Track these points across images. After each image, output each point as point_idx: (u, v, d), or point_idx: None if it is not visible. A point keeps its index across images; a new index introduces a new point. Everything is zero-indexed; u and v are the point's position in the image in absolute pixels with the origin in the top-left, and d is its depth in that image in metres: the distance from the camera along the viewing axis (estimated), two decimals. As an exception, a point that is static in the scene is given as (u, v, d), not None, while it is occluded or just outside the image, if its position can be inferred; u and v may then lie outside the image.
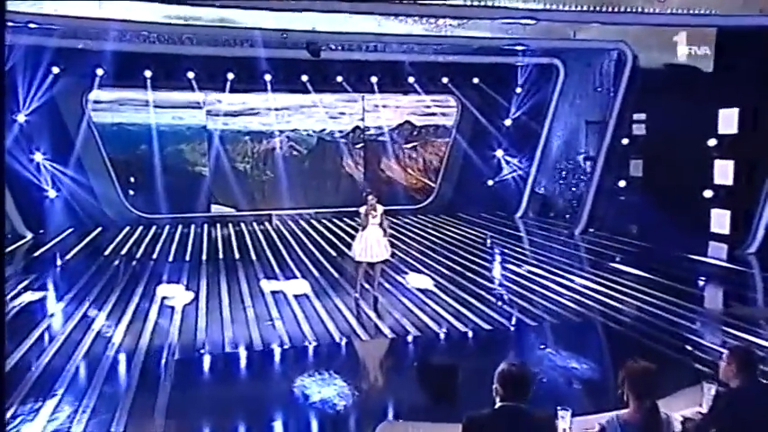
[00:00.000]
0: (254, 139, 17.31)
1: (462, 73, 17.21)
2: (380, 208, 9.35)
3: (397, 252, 12.03)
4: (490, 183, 18.31)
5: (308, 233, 15.40)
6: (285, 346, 7.79)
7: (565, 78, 16.59)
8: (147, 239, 14.66)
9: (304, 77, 16.23)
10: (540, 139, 17.26)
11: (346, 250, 10.24)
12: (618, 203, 14.68)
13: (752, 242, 12.04)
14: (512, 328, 8.57)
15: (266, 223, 16.79)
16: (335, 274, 11.13)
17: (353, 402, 6.19)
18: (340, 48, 14.94)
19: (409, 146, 18.53)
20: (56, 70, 14.32)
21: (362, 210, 9.31)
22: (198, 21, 12.31)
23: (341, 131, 17.92)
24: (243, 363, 7.55)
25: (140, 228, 15.80)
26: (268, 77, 15.95)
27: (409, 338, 8.14)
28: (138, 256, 12.98)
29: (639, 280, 10.32)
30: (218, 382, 7.10)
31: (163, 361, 7.22)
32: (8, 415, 5.45)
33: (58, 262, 12.49)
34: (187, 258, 12.76)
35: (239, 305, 9.39)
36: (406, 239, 14.17)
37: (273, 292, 9.99)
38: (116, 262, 12.33)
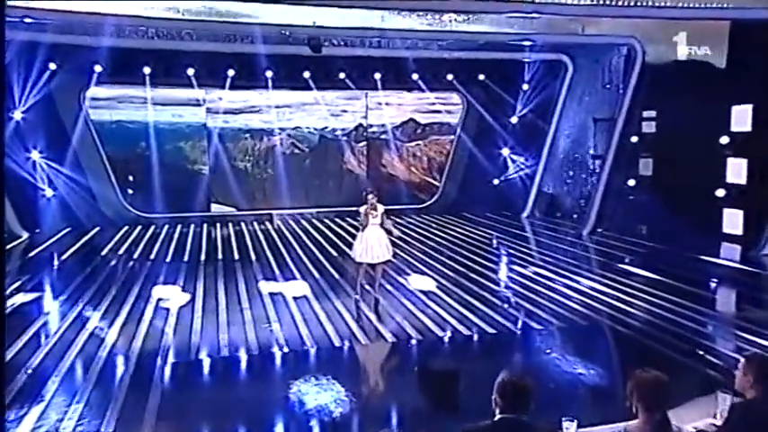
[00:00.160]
0: (254, 137, 17.13)
1: (468, 69, 17.02)
2: (381, 207, 9.24)
3: (399, 253, 11.92)
4: (496, 182, 18.17)
5: (309, 233, 15.26)
6: (281, 350, 7.64)
7: (573, 75, 16.41)
8: (144, 239, 14.52)
9: (306, 74, 16.06)
10: (547, 137, 17.09)
11: (348, 251, 10.13)
12: (627, 203, 14.52)
13: (766, 243, 11.83)
14: (517, 332, 8.41)
15: (267, 223, 16.65)
16: (336, 276, 11.00)
17: (351, 410, 6.03)
18: (343, 44, 14.82)
19: (413, 144, 18.35)
20: (52, 66, 14.14)
21: (362, 209, 9.19)
22: (197, 16, 12.16)
23: (343, 129, 17.74)
24: (237, 367, 7.42)
25: (139, 227, 15.65)
26: (269, 74, 15.77)
27: (413, 342, 7.98)
28: (136, 256, 12.83)
29: (649, 282, 10.18)
30: (211, 387, 7.01)
31: (154, 365, 7.10)
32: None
33: (53, 262, 12.32)
34: (185, 259, 12.62)
35: (236, 307, 9.26)
36: (409, 240, 14.01)
37: (272, 294, 9.87)
38: (112, 262, 12.20)
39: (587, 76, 16.00)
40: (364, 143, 17.96)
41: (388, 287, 10.07)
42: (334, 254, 12.70)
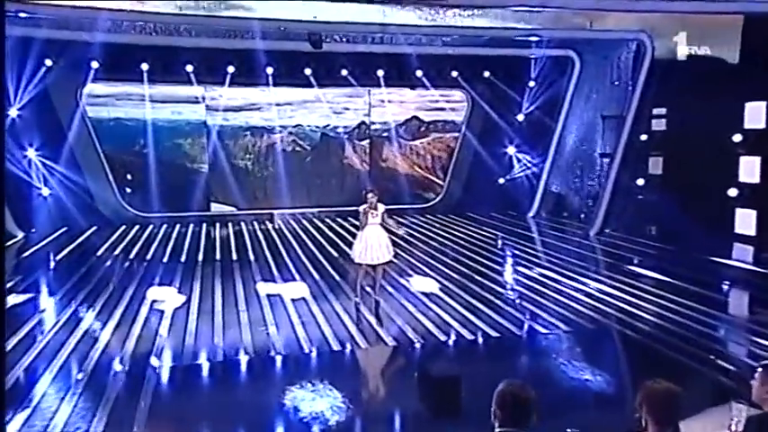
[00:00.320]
0: (255, 135, 16.95)
1: (472, 66, 16.83)
2: (382, 207, 9.13)
3: (401, 254, 11.88)
4: (501, 181, 18.01)
5: (310, 233, 15.12)
6: (278, 355, 7.50)
7: (580, 71, 16.21)
8: (142, 239, 14.37)
9: (307, 71, 15.89)
10: (554, 135, 16.90)
11: (349, 251, 9.97)
12: (636, 203, 14.33)
13: (780, 244, 11.60)
14: (522, 336, 8.27)
15: (267, 222, 16.51)
16: (336, 277, 10.86)
17: (348, 417, 5.88)
18: (344, 40, 14.63)
19: (417, 142, 18.16)
20: (48, 63, 13.95)
21: (362, 208, 9.07)
22: (195, 11, 12.03)
23: (346, 127, 17.58)
24: (230, 371, 7.31)
25: (136, 227, 15.49)
26: (270, 71, 15.59)
27: (416, 346, 7.81)
28: (132, 256, 12.69)
29: (658, 284, 10.08)
30: (203, 392, 6.90)
31: (146, 369, 7.00)
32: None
33: (47, 263, 12.17)
34: (182, 259, 12.47)
35: (233, 309, 9.15)
36: (412, 240, 13.86)
37: (270, 296, 9.74)
38: (108, 263, 12.05)
39: (595, 72, 15.82)
40: (367, 141, 17.80)
41: (390, 289, 9.97)
42: (335, 254, 12.54)
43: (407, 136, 18.03)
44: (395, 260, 10.16)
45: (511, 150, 17.91)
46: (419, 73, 16.37)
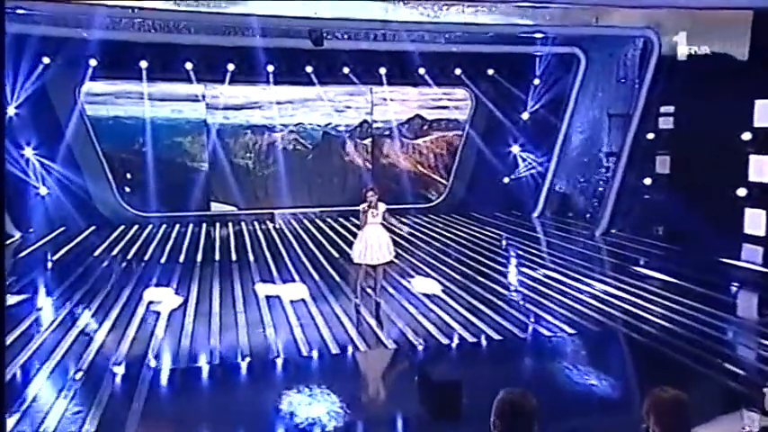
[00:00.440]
0: (256, 134, 16.81)
1: (476, 63, 16.70)
2: (382, 206, 9.01)
3: (403, 254, 11.78)
4: (506, 180, 17.89)
5: (311, 233, 14.99)
6: (274, 358, 7.40)
7: (586, 69, 16.10)
8: (141, 239, 14.24)
9: (308, 69, 15.76)
10: (559, 133, 16.80)
11: (350, 251, 9.86)
12: (642, 203, 14.23)
13: (790, 245, 11.50)
14: (525, 339, 8.17)
15: (268, 222, 16.39)
16: (337, 278, 10.74)
17: (345, 423, 5.76)
18: (346, 37, 14.48)
19: (419, 141, 18.00)
20: (46, 60, 13.83)
21: (362, 207, 8.97)
22: (195, 7, 11.94)
23: (347, 126, 17.43)
24: (226, 375, 7.18)
25: (135, 227, 15.36)
26: (270, 68, 15.46)
27: (418, 348, 7.68)
28: (130, 257, 12.57)
29: (666, 286, 10.00)
30: (197, 396, 6.72)
31: (140, 371, 6.89)
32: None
33: (43, 263, 12.06)
34: (180, 260, 12.34)
35: (230, 311, 9.03)
36: (414, 240, 13.70)
37: (268, 297, 9.63)
38: (105, 264, 11.92)
39: (601, 69, 15.71)
40: (369, 140, 17.66)
41: (391, 290, 9.86)
42: (336, 255, 12.42)
43: (410, 135, 17.88)
44: (396, 260, 10.04)
45: (515, 149, 17.78)
46: (422, 70, 16.25)
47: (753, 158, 11.80)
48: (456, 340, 7.89)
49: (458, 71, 16.76)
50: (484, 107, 17.60)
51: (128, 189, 15.81)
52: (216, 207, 16.53)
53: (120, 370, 6.94)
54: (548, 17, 12.82)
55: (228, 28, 13.66)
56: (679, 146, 13.43)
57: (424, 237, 14.36)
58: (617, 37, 14.48)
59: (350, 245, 10.92)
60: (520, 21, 13.09)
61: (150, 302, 9.30)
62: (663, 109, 13.79)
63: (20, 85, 13.51)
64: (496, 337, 7.94)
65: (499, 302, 9.31)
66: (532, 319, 8.62)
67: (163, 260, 12.22)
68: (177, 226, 15.48)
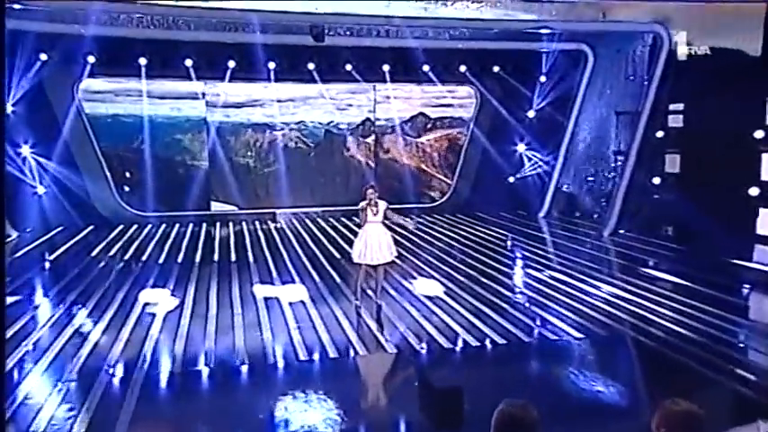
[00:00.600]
0: (257, 132, 16.68)
1: (481, 60, 16.58)
2: (383, 204, 8.85)
3: (405, 255, 11.64)
4: (511, 180, 17.77)
5: (312, 233, 14.86)
6: (271, 361, 7.27)
7: (593, 66, 15.95)
8: (139, 239, 14.13)
9: (310, 66, 15.65)
10: (566, 132, 16.66)
11: (351, 251, 9.54)
12: (651, 202, 14.09)
13: (804, 246, 11.37)
14: (530, 343, 8.01)
15: (269, 222, 16.27)
16: (337, 279, 10.59)
17: (343, 430, 5.62)
18: (348, 33, 14.29)
19: (423, 139, 17.86)
20: (43, 57, 13.73)
21: (361, 205, 8.84)
22: (194, 2, 11.84)
23: (350, 124, 17.31)
24: (220, 379, 7.02)
25: (134, 227, 15.26)
26: (272, 66, 15.33)
27: (420, 353, 7.53)
28: (127, 257, 12.45)
29: (675, 288, 9.93)
30: (190, 400, 6.58)
31: (131, 375, 6.76)
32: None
33: (39, 264, 11.90)
34: (179, 260, 12.19)
35: (227, 313, 8.86)
36: (417, 240, 13.55)
37: (267, 299, 9.48)
38: (102, 264, 11.77)
39: (609, 66, 15.57)
40: (372, 138, 17.53)
41: (392, 292, 9.70)
42: (337, 255, 12.27)
43: (413, 133, 17.76)
44: (398, 261, 9.88)
45: (521, 148, 17.65)
46: (426, 68, 16.11)
47: (765, 157, 11.68)
48: (458, 344, 7.72)
49: (462, 68, 16.62)
50: (489, 105, 17.48)
51: (126, 188, 15.71)
52: (216, 206, 16.42)
53: (112, 372, 6.83)
54: (554, 12, 12.63)
55: (229, 24, 13.50)
56: (689, 144, 13.30)
57: (427, 237, 14.22)
58: (625, 33, 14.35)
59: (352, 245, 10.75)
60: (525, 16, 12.95)
61: (146, 304, 9.16)
62: (672, 106, 13.67)
63: (16, 83, 13.39)
64: (501, 341, 7.76)
65: (504, 305, 9.15)
66: (538, 323, 8.46)
67: (161, 261, 12.07)
68: (177, 226, 15.39)
